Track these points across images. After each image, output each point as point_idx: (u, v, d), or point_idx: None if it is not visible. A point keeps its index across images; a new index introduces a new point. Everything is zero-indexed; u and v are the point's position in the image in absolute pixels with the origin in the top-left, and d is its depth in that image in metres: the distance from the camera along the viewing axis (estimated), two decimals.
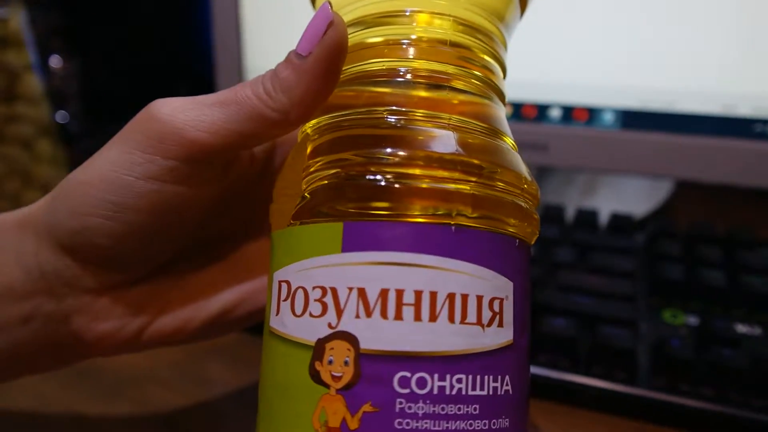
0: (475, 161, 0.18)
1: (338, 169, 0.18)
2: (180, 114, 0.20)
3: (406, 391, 0.16)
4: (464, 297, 0.17)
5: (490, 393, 0.17)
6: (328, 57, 0.18)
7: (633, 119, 0.43)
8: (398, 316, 0.16)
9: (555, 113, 0.45)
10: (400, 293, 0.16)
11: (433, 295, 0.16)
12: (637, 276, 0.39)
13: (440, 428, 0.16)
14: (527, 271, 0.19)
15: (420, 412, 0.16)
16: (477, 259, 0.17)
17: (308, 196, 0.18)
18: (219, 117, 0.19)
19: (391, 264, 0.17)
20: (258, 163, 0.24)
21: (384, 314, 0.16)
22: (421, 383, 0.16)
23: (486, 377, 0.17)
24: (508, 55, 0.23)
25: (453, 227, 0.17)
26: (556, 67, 0.44)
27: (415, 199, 0.17)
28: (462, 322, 0.17)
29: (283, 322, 0.18)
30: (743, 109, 0.40)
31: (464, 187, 0.17)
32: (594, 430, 0.32)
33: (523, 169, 0.20)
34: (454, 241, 0.17)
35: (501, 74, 0.22)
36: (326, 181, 0.18)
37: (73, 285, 0.22)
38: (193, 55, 0.74)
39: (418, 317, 0.16)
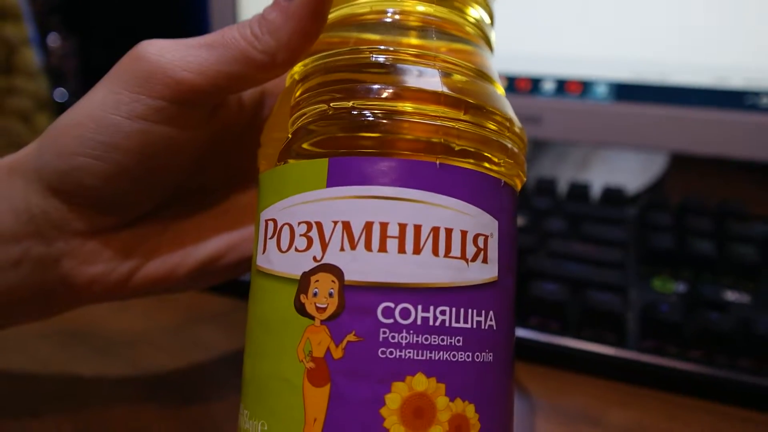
0: (461, 98, 0.18)
1: (324, 106, 0.18)
2: (167, 54, 0.19)
3: (390, 321, 0.16)
4: (448, 231, 0.17)
5: (474, 326, 0.17)
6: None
7: (626, 92, 0.43)
8: (382, 248, 0.16)
9: (549, 86, 0.45)
10: (384, 226, 0.16)
11: (418, 229, 0.16)
12: (628, 245, 0.39)
13: (424, 358, 0.16)
14: (513, 214, 0.19)
15: (403, 342, 0.16)
16: (461, 195, 0.17)
17: (293, 135, 0.18)
18: (206, 58, 0.19)
19: (375, 197, 0.17)
20: (247, 112, 0.24)
21: (368, 246, 0.16)
22: (405, 314, 0.16)
23: (470, 311, 0.17)
24: (496, 7, 0.23)
25: (437, 163, 0.17)
26: (549, 40, 0.44)
27: (400, 135, 0.17)
28: (446, 255, 0.17)
29: (269, 259, 0.18)
30: (735, 80, 0.40)
31: (449, 124, 0.17)
32: (583, 393, 0.32)
33: (510, 111, 0.20)
34: (438, 176, 0.17)
35: (489, 21, 0.22)
36: (311, 119, 0.18)
37: (62, 228, 0.22)
38: (190, 33, 0.74)
39: (402, 250, 0.16)
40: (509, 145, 0.19)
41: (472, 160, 0.18)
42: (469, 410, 0.16)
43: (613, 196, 0.43)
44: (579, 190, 0.44)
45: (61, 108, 0.62)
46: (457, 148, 0.17)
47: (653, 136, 0.43)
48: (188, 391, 0.32)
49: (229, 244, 0.25)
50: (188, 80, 0.19)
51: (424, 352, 0.16)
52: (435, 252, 0.16)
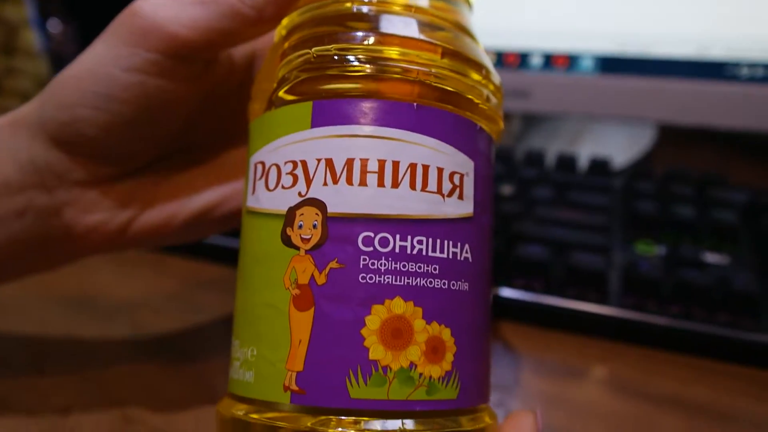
0: (437, 43, 0.19)
1: (308, 53, 0.19)
2: (162, 11, 0.20)
3: (370, 249, 0.17)
4: (425, 167, 0.18)
5: (450, 257, 0.18)
6: None
7: (611, 64, 0.44)
8: (363, 182, 0.17)
9: (536, 60, 0.46)
10: (364, 162, 0.17)
11: (396, 164, 0.17)
12: (613, 212, 0.40)
13: (402, 283, 0.17)
14: (489, 158, 0.20)
15: (382, 268, 0.17)
16: (438, 134, 0.18)
17: (279, 82, 0.19)
18: (199, 14, 0.20)
19: (356, 136, 0.18)
20: (238, 72, 0.25)
21: (350, 181, 0.17)
22: (384, 242, 0.17)
23: (446, 242, 0.18)
24: None
25: (415, 105, 0.18)
26: (536, 15, 0.45)
27: (379, 78, 0.18)
28: (423, 189, 0.18)
29: (258, 198, 0.19)
30: (716, 51, 0.41)
31: (425, 67, 0.18)
32: (566, 349, 0.33)
33: (488, 62, 0.21)
34: (416, 117, 0.18)
35: None
36: (296, 66, 0.19)
37: (63, 177, 0.23)
38: None
39: (381, 183, 0.17)
40: (485, 92, 0.20)
41: (449, 104, 0.19)
42: (446, 333, 0.17)
43: (599, 167, 0.44)
44: (566, 162, 0.45)
45: None
46: (433, 91, 0.18)
47: (638, 107, 0.43)
48: (187, 350, 0.33)
49: (221, 196, 0.26)
50: (182, 35, 0.20)
51: (402, 278, 0.17)
52: (412, 186, 0.17)
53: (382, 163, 0.17)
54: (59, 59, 0.65)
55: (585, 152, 0.52)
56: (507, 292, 0.34)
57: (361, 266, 0.17)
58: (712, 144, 0.57)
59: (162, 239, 0.26)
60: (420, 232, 0.17)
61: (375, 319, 0.16)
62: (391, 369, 0.16)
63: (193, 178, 0.26)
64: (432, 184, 0.18)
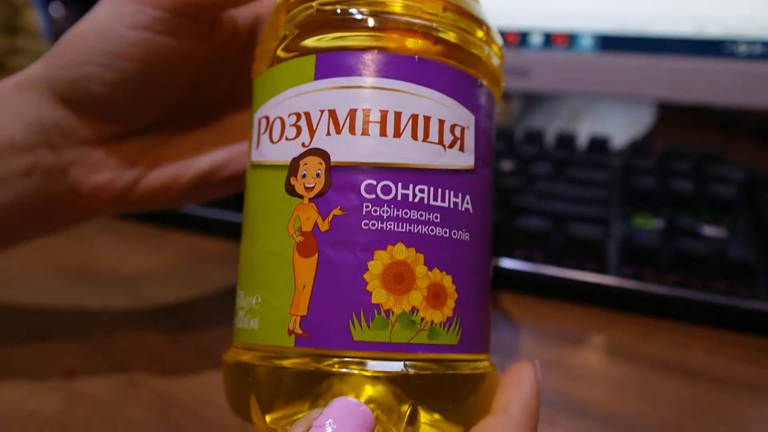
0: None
1: (311, 8, 0.19)
2: None
3: (372, 196, 0.17)
4: (427, 118, 0.18)
5: (451, 206, 0.18)
6: None
7: (610, 43, 0.44)
8: (365, 132, 0.17)
9: (536, 39, 0.46)
10: (367, 112, 0.17)
11: (398, 115, 0.18)
12: (611, 186, 0.40)
13: (404, 230, 0.17)
14: (490, 114, 0.20)
15: (385, 215, 0.17)
16: (440, 87, 0.18)
17: (283, 37, 0.20)
18: None
19: (359, 87, 0.18)
20: (241, 36, 0.25)
21: (352, 131, 0.17)
22: (386, 190, 0.17)
23: (447, 191, 0.18)
24: None
25: (416, 57, 0.18)
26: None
27: (381, 30, 0.18)
28: (424, 140, 0.18)
29: (262, 152, 0.19)
30: (713, 29, 0.41)
31: (428, 20, 0.19)
32: (565, 318, 0.33)
33: (489, 20, 0.21)
34: (417, 69, 0.18)
35: None
36: (300, 20, 0.19)
37: (70, 136, 0.23)
38: None
39: (383, 133, 0.17)
40: (485, 49, 0.20)
41: (451, 59, 0.19)
42: (447, 280, 0.18)
43: (598, 145, 0.45)
44: (566, 140, 0.45)
45: None
46: (436, 44, 0.19)
47: (637, 85, 0.44)
48: (189, 320, 0.34)
49: (225, 158, 0.26)
50: None
51: (404, 225, 0.17)
52: (414, 136, 0.18)
53: (384, 114, 0.18)
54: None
55: (585, 132, 0.52)
56: (508, 263, 0.34)
57: (363, 213, 0.17)
58: (712, 124, 0.57)
59: (167, 200, 0.26)
60: (421, 181, 0.18)
61: (377, 264, 0.17)
62: (393, 313, 0.17)
63: (197, 140, 0.26)
64: (433, 135, 0.18)
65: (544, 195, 0.38)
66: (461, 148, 0.19)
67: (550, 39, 0.46)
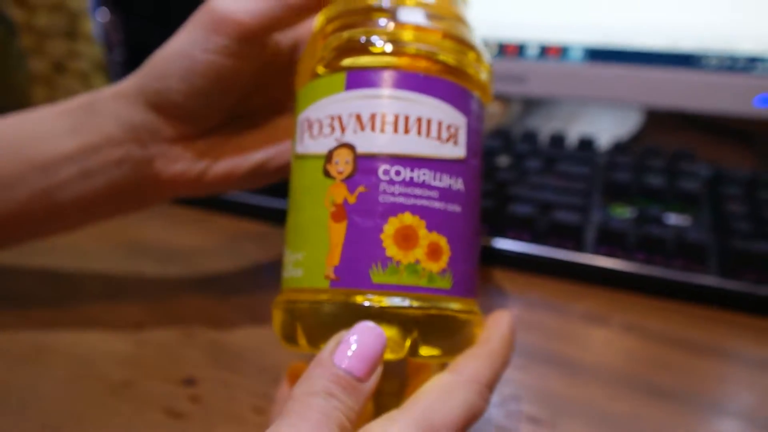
0: (441, 29, 0.25)
1: (342, 37, 0.24)
2: (230, 5, 0.27)
3: (387, 178, 0.23)
4: (429, 120, 0.23)
5: (446, 186, 0.23)
6: None
7: (597, 54, 0.49)
8: (383, 130, 0.23)
9: (532, 51, 0.51)
10: (384, 115, 0.23)
11: (407, 117, 0.23)
12: (593, 180, 0.45)
13: (410, 203, 0.22)
14: (479, 118, 0.26)
15: (397, 192, 0.22)
16: (439, 96, 0.24)
17: (321, 59, 0.25)
18: (257, 5, 0.26)
19: (378, 97, 0.23)
20: (284, 54, 0.31)
21: (373, 129, 0.23)
22: (398, 173, 0.23)
23: (444, 175, 0.23)
24: None
25: (422, 74, 0.24)
26: (533, 11, 0.50)
27: (396, 54, 0.24)
28: (427, 136, 0.23)
29: (305, 145, 0.25)
30: (686, 43, 0.46)
31: (431, 48, 0.24)
32: (547, 290, 0.38)
33: (479, 44, 0.27)
34: (422, 83, 0.23)
35: None
36: (335, 45, 0.25)
37: (155, 135, 0.29)
38: None
39: (395, 131, 0.23)
40: (476, 67, 0.26)
41: (450, 75, 0.24)
42: (442, 241, 0.23)
43: (586, 144, 0.50)
44: (557, 140, 0.51)
45: (113, 74, 0.69)
46: (436, 64, 0.24)
47: (620, 91, 0.49)
48: (233, 285, 0.39)
49: (272, 153, 0.32)
50: (246, 22, 0.26)
51: (411, 199, 0.23)
52: (419, 133, 0.23)
53: (396, 117, 0.23)
54: (109, 45, 0.72)
55: (578, 132, 0.58)
56: (500, 243, 0.40)
57: (380, 190, 0.22)
58: (695, 126, 0.62)
59: (228, 186, 0.32)
60: (424, 167, 0.23)
61: (390, 227, 0.22)
62: (401, 263, 0.22)
63: (251, 138, 0.32)
64: (434, 132, 0.23)
65: (534, 186, 0.44)
66: (455, 143, 0.24)
67: (544, 50, 0.51)
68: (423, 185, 0.23)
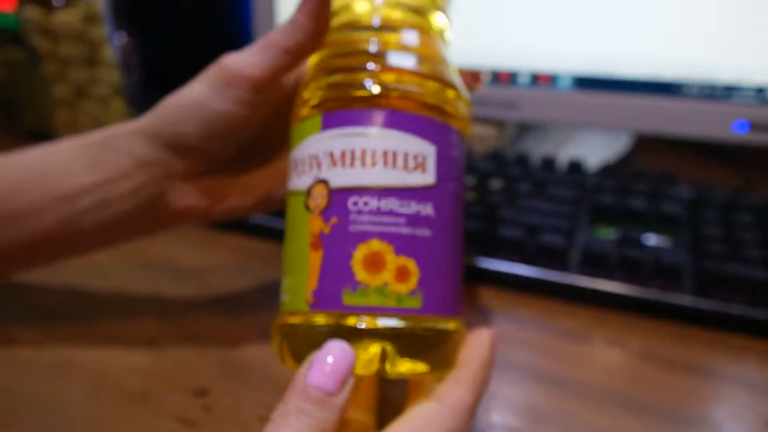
0: (419, 70, 0.27)
1: (321, 86, 0.27)
2: (240, 61, 0.29)
3: (356, 209, 0.25)
4: (395, 152, 0.25)
5: (414, 212, 0.25)
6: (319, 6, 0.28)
7: (584, 83, 0.52)
8: (352, 165, 0.25)
9: (524, 79, 0.54)
10: (353, 152, 0.25)
11: (374, 152, 0.25)
12: (580, 203, 0.48)
13: (378, 230, 0.24)
14: (454, 145, 0.27)
15: (365, 221, 0.24)
16: (405, 129, 0.25)
17: (306, 100, 0.28)
18: (263, 59, 0.29)
19: (347, 135, 0.25)
20: (286, 97, 0.34)
21: (343, 165, 0.25)
22: (365, 204, 0.25)
23: (411, 201, 0.25)
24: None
25: (389, 111, 0.26)
26: (524, 42, 0.53)
27: (363, 97, 0.26)
28: (393, 167, 0.25)
29: (292, 182, 0.27)
30: (668, 72, 0.49)
31: (398, 84, 0.26)
32: (533, 307, 0.41)
33: (457, 81, 0.29)
34: (388, 118, 0.26)
35: (447, 23, 0.31)
36: (312, 92, 0.27)
37: (168, 171, 0.32)
38: (234, 34, 0.84)
39: (363, 165, 0.25)
40: (451, 101, 0.27)
41: (418, 109, 0.26)
42: (410, 263, 0.24)
43: (575, 167, 0.52)
44: (548, 163, 0.53)
45: (127, 93, 0.72)
46: (402, 101, 0.26)
47: (607, 118, 0.51)
48: (242, 302, 0.42)
49: (275, 187, 0.35)
50: (255, 76, 0.29)
51: (378, 226, 0.24)
52: (385, 165, 0.25)
53: (363, 151, 0.25)
54: (126, 67, 0.75)
55: (570, 155, 0.60)
56: (491, 263, 0.42)
57: (350, 220, 0.25)
58: (683, 147, 0.64)
59: (238, 215, 0.35)
60: (391, 196, 0.25)
61: (359, 253, 0.24)
62: (370, 285, 0.24)
63: (254, 174, 0.35)
64: (399, 163, 0.25)
65: (523, 209, 0.46)
66: (423, 170, 0.25)
67: (535, 78, 0.53)
68: (390, 213, 0.25)
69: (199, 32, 0.88)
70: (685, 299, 0.38)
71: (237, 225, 0.51)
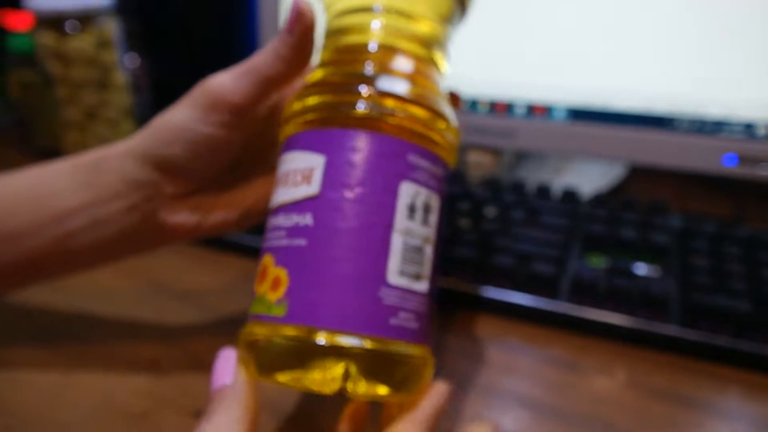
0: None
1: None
2: (223, 84, 0.31)
3: (267, 227, 0.28)
4: (291, 171, 0.27)
5: (293, 224, 0.26)
6: (303, 34, 0.30)
7: (578, 114, 0.53)
8: (275, 187, 0.28)
9: (520, 110, 0.55)
10: (277, 175, 0.28)
11: (282, 174, 0.28)
12: (573, 231, 0.48)
13: (267, 245, 0.27)
14: (351, 149, 0.26)
15: (267, 237, 0.27)
16: (298, 148, 0.27)
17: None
18: (245, 84, 0.31)
19: (283, 159, 0.28)
20: (264, 120, 0.35)
21: (276, 187, 0.28)
22: (269, 222, 0.28)
23: (292, 215, 0.26)
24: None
25: (293, 135, 0.28)
26: (521, 76, 0.54)
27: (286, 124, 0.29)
28: (286, 185, 0.27)
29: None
30: (659, 106, 0.50)
31: (295, 111, 0.28)
32: (522, 335, 0.41)
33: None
34: (293, 141, 0.28)
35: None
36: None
37: (158, 191, 0.33)
38: (242, 57, 0.86)
39: (275, 187, 0.28)
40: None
41: (306, 127, 0.27)
42: (282, 273, 0.25)
43: (569, 195, 0.53)
44: (543, 190, 0.54)
45: (137, 115, 0.73)
46: (302, 125, 0.28)
47: (600, 149, 0.52)
48: (243, 323, 0.43)
49: (260, 201, 0.36)
50: (237, 101, 0.31)
51: (269, 241, 0.27)
52: (286, 184, 0.27)
53: (277, 175, 0.28)
54: (137, 88, 0.76)
55: (565, 183, 0.61)
56: (484, 290, 0.43)
57: (264, 237, 0.28)
58: (676, 175, 0.65)
59: (226, 230, 0.37)
60: (280, 212, 0.27)
61: (258, 267, 0.27)
62: (257, 295, 0.26)
63: (239, 190, 0.37)
64: (291, 181, 0.27)
65: (517, 237, 0.47)
66: (309, 183, 0.26)
67: (531, 109, 0.55)
68: (277, 228, 0.27)
69: (209, 54, 0.90)
70: (672, 329, 0.39)
71: (237, 246, 0.52)
